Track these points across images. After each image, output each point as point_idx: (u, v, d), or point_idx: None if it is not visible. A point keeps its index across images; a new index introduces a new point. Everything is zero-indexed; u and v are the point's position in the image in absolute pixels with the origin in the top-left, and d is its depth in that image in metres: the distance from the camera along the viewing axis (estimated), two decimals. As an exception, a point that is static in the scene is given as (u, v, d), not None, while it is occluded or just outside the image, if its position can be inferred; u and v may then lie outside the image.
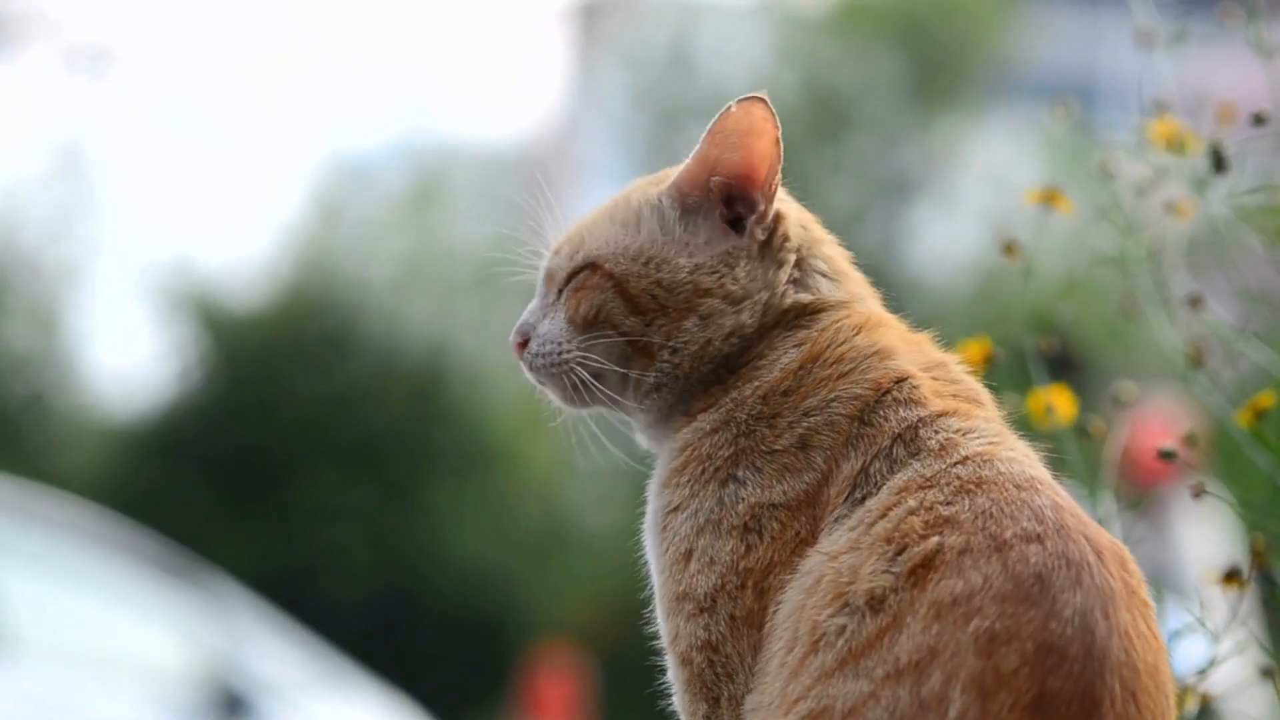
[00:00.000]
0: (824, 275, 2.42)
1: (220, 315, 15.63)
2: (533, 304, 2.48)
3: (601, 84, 20.36)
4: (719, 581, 2.26)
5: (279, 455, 14.94)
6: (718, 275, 2.39)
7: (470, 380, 15.81)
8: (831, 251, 2.45)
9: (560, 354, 2.43)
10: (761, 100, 2.36)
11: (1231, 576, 2.80)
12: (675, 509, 2.33)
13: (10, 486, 9.02)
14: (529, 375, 2.47)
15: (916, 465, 2.22)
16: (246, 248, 16.74)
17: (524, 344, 2.46)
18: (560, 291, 2.44)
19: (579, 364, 2.42)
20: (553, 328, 2.44)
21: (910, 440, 2.24)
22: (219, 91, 24.55)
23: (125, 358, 16.68)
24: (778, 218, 2.41)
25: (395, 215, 17.13)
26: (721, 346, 2.38)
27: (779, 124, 2.36)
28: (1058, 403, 2.95)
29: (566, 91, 21.85)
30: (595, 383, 2.41)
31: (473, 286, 16.83)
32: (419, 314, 16.12)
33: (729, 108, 2.36)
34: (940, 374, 2.34)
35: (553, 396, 2.47)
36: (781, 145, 2.37)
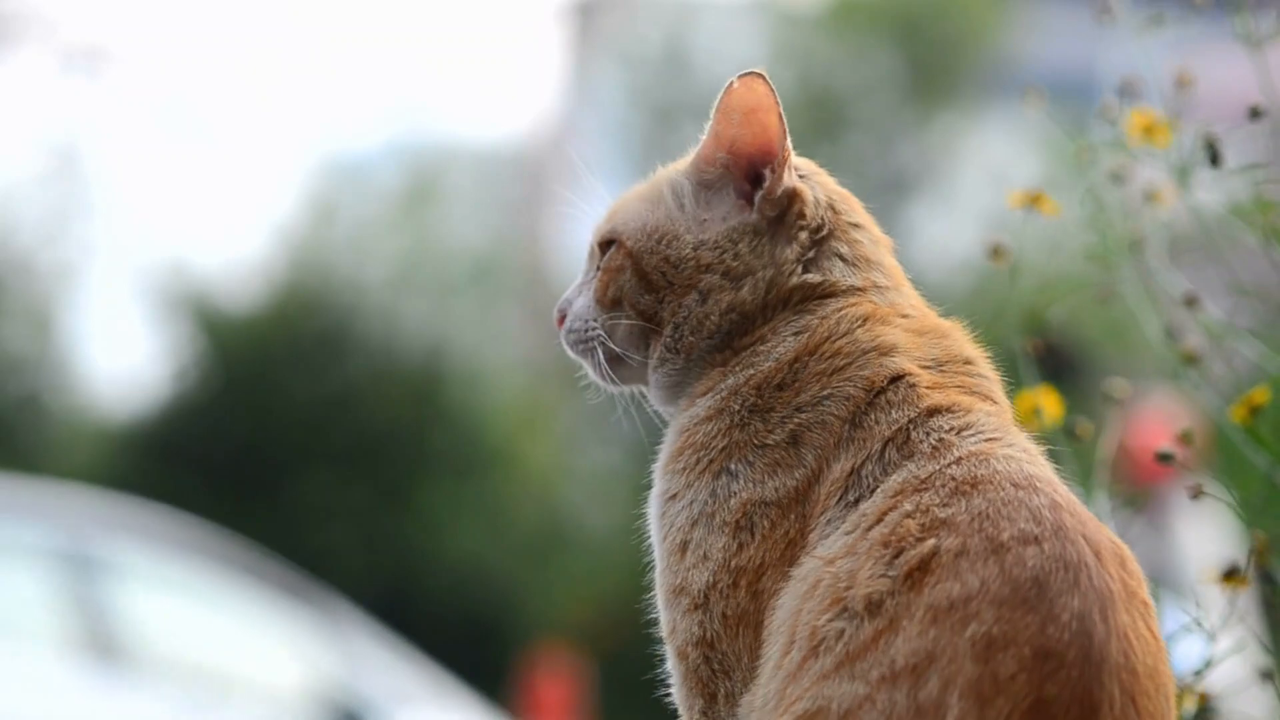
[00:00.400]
0: (841, 259, 2.39)
1: (216, 316, 15.63)
2: (577, 280, 2.51)
3: (597, 83, 20.36)
4: (711, 579, 2.25)
5: (275, 456, 14.93)
6: (720, 251, 2.38)
7: (467, 381, 15.80)
8: (861, 236, 2.42)
9: (586, 332, 2.46)
10: (760, 75, 2.35)
11: (1231, 575, 2.79)
12: (673, 496, 2.33)
13: (135, 509, 9.31)
14: (566, 350, 2.50)
15: (911, 467, 2.20)
16: (242, 248, 16.73)
17: (564, 319, 2.49)
18: (597, 268, 2.47)
19: (601, 343, 2.44)
20: (582, 305, 2.47)
21: (902, 444, 2.22)
22: (214, 91, 24.53)
23: (121, 358, 16.67)
24: (792, 194, 2.38)
25: (391, 215, 17.12)
26: (720, 322, 2.37)
27: (779, 99, 2.36)
28: (1045, 404, 2.94)
29: (562, 90, 21.84)
30: (618, 361, 2.44)
31: (469, 286, 16.83)
32: (415, 314, 16.11)
33: (731, 84, 2.37)
34: (952, 369, 2.31)
35: (589, 372, 2.49)
36: (785, 120, 2.36)
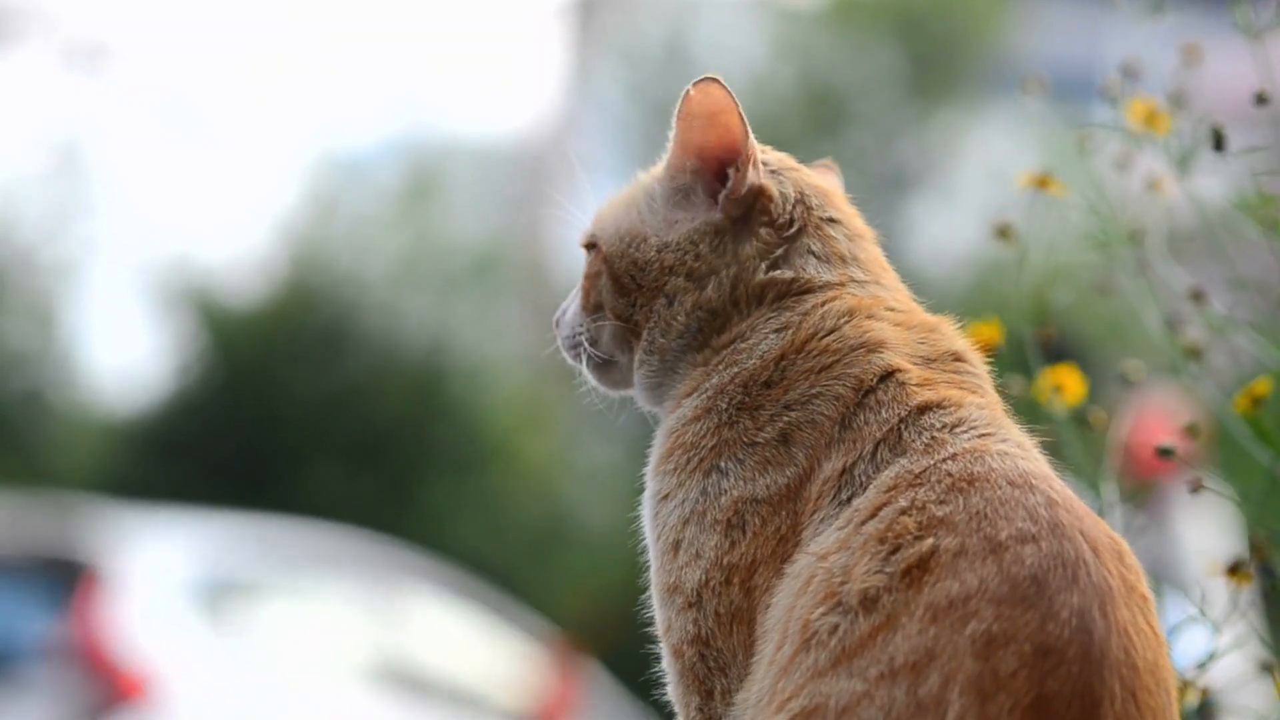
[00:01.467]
0: (814, 255, 2.39)
1: (218, 311, 15.63)
2: (576, 285, 2.53)
3: (598, 79, 20.35)
4: (704, 577, 2.26)
5: (276, 451, 14.94)
6: (681, 252, 2.40)
7: (469, 376, 15.81)
8: (835, 232, 2.42)
9: (574, 338, 2.49)
10: (716, 80, 2.37)
11: (1235, 570, 2.79)
12: (665, 497, 2.33)
13: (419, 557, 10.69)
14: (565, 357, 2.53)
15: (904, 462, 2.20)
16: (243, 243, 16.74)
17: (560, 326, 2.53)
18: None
19: (586, 348, 2.47)
20: (572, 312, 2.51)
21: (894, 443, 2.23)
22: (215, 87, 24.55)
23: (123, 354, 16.68)
24: (757, 191, 2.39)
25: (392, 211, 17.13)
26: (687, 321, 2.39)
27: (737, 100, 2.37)
28: (1066, 383, 2.93)
29: (563, 87, 21.84)
30: (606, 365, 2.47)
31: (470, 282, 16.83)
32: (416, 310, 16.13)
33: (688, 91, 2.38)
34: (941, 364, 2.31)
35: (587, 378, 2.51)
36: (745, 120, 2.37)
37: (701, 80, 2.37)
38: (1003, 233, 3.01)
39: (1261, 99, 2.81)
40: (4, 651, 8.10)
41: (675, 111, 2.40)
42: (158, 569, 8.53)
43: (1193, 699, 2.83)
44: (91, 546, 8.49)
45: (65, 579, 8.29)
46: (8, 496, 10.42)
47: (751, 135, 2.39)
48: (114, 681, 7.87)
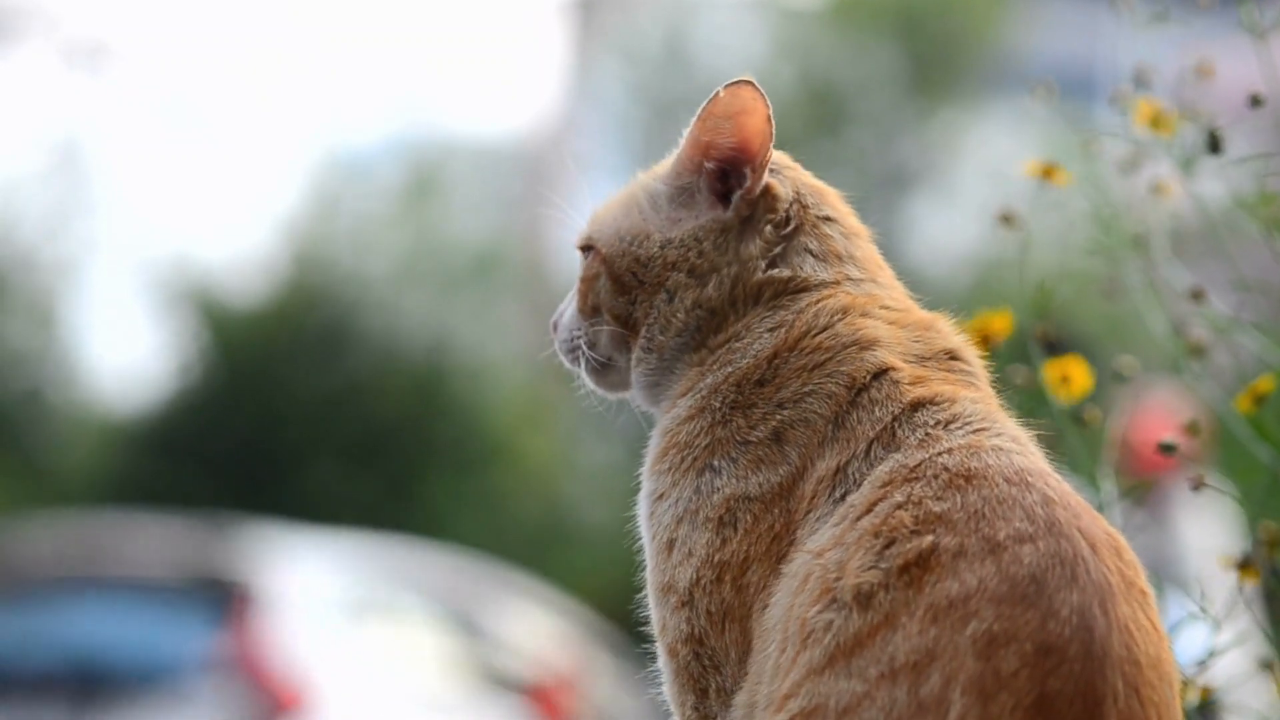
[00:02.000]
0: (811, 254, 2.39)
1: (219, 310, 15.64)
2: (572, 289, 2.53)
3: (598, 78, 20.36)
4: (695, 575, 2.26)
5: (277, 450, 14.94)
6: (685, 249, 2.40)
7: (469, 374, 15.82)
8: (831, 230, 2.42)
9: (571, 340, 2.49)
10: (749, 82, 2.37)
11: (1246, 566, 2.79)
12: (660, 496, 2.34)
13: (510, 570, 11.64)
14: (563, 361, 2.54)
15: (898, 457, 2.20)
16: (244, 242, 16.76)
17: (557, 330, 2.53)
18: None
19: (584, 351, 2.47)
20: (569, 316, 2.50)
21: (889, 441, 2.23)
22: (216, 86, 24.56)
23: (124, 353, 16.69)
24: (765, 192, 2.40)
25: (393, 210, 17.14)
26: (687, 319, 2.39)
27: (769, 103, 2.37)
28: (1073, 374, 2.93)
29: (564, 86, 21.84)
30: (604, 368, 2.47)
31: (471, 281, 16.84)
32: (417, 308, 16.13)
33: (717, 93, 2.38)
34: (936, 361, 2.31)
35: (585, 381, 2.51)
36: (773, 123, 2.37)
37: (734, 83, 2.37)
38: (1007, 219, 3.01)
39: (1256, 102, 2.82)
40: (169, 666, 8.75)
41: (698, 111, 2.38)
42: (308, 587, 9.20)
43: (1193, 697, 2.83)
44: (246, 566, 9.08)
45: (223, 597, 8.94)
46: (167, 518, 10.81)
47: (773, 139, 2.38)
48: (273, 693, 8.61)
